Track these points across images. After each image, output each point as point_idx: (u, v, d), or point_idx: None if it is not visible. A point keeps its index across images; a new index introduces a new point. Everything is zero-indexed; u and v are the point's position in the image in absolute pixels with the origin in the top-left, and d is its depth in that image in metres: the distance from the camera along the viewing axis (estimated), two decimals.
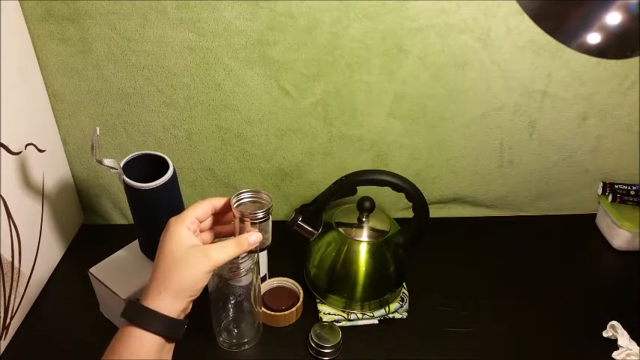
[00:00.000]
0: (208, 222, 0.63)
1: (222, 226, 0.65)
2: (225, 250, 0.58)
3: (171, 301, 0.55)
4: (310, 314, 0.86)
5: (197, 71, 0.88)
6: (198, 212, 0.60)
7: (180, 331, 0.56)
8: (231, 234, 0.63)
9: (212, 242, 0.64)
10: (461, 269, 0.97)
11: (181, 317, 0.57)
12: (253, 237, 0.61)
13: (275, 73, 0.89)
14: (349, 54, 0.87)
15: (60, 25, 0.83)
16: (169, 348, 0.57)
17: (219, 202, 0.62)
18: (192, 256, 0.56)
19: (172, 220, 0.59)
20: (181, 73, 0.88)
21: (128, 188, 0.74)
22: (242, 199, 0.63)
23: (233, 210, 0.61)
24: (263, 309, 0.83)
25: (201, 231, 0.62)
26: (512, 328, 0.85)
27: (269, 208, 0.62)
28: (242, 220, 0.61)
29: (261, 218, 0.61)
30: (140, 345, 0.53)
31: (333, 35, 0.85)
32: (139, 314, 0.54)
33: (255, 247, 0.62)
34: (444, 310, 0.88)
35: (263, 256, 0.87)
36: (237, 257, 0.71)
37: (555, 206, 1.10)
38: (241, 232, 0.62)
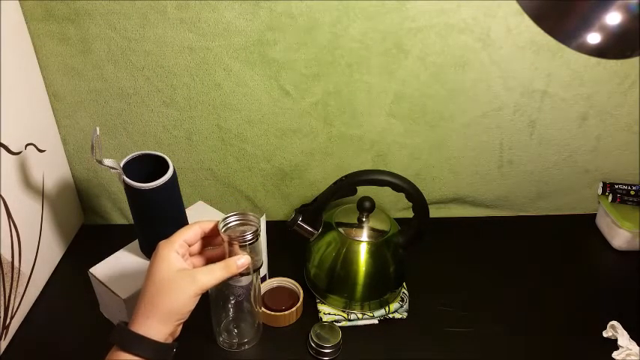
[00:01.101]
0: (197, 246, 0.63)
1: (212, 249, 0.65)
2: (212, 274, 0.58)
3: (159, 325, 0.55)
4: (310, 314, 0.86)
5: (197, 71, 0.88)
6: (188, 236, 0.60)
7: (169, 355, 0.56)
8: (222, 258, 0.63)
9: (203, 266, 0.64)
10: (461, 269, 0.97)
11: (169, 341, 0.57)
12: (242, 260, 0.60)
13: (275, 73, 0.89)
14: (349, 54, 0.87)
15: (60, 25, 0.83)
16: None
17: (208, 225, 0.62)
18: (179, 280, 0.56)
19: (161, 243, 0.59)
20: (181, 73, 0.88)
21: (128, 188, 0.74)
22: (229, 222, 0.62)
23: (221, 234, 0.61)
24: (263, 309, 0.83)
25: (190, 255, 0.62)
26: (512, 328, 0.85)
27: (257, 230, 0.62)
28: (231, 244, 0.61)
29: (249, 240, 0.61)
30: None
31: (333, 35, 0.85)
32: (126, 339, 0.54)
33: (246, 270, 0.61)
34: (444, 310, 0.88)
35: (263, 257, 0.87)
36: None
37: (555, 206, 1.10)
38: (231, 255, 0.61)
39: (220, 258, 0.63)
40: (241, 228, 0.62)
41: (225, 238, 0.61)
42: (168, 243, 0.58)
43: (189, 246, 0.61)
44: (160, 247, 0.58)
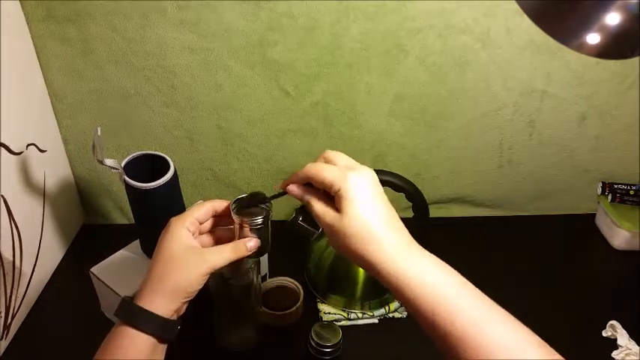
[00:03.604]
0: (208, 224, 0.63)
1: (223, 229, 0.64)
2: (222, 255, 0.58)
3: (165, 301, 0.54)
4: (310, 314, 0.86)
5: (198, 71, 0.88)
6: (199, 214, 0.60)
7: (174, 332, 0.56)
8: (231, 239, 0.63)
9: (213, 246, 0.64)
10: (461, 269, 0.96)
11: (174, 318, 0.56)
12: (251, 243, 0.60)
13: (275, 73, 0.89)
14: (349, 54, 0.87)
15: (61, 25, 0.84)
16: (162, 348, 0.56)
17: (220, 205, 0.62)
18: (188, 257, 0.56)
19: (173, 219, 0.59)
20: (182, 73, 0.89)
21: (129, 188, 0.74)
22: (241, 205, 0.62)
23: (232, 215, 0.61)
24: (263, 308, 0.83)
25: (200, 233, 0.62)
26: None
27: (268, 215, 0.62)
28: (241, 226, 0.61)
29: (260, 224, 0.61)
30: (132, 344, 0.53)
31: (333, 35, 0.85)
32: (132, 313, 0.54)
33: (253, 253, 0.61)
34: None
35: (263, 256, 0.87)
36: (240, 262, 0.71)
37: (555, 206, 1.10)
38: (240, 237, 0.61)
39: (229, 239, 0.63)
40: (252, 211, 0.62)
41: (237, 220, 0.60)
42: (180, 219, 0.58)
43: (200, 224, 0.61)
44: (172, 222, 0.58)
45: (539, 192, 1.07)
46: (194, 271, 0.55)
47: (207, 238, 0.63)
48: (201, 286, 0.56)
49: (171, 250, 0.56)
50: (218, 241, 0.63)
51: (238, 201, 0.62)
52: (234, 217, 0.61)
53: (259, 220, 0.61)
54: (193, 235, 0.59)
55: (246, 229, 0.61)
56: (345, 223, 0.52)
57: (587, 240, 1.06)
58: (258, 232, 0.61)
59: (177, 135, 0.96)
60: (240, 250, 0.59)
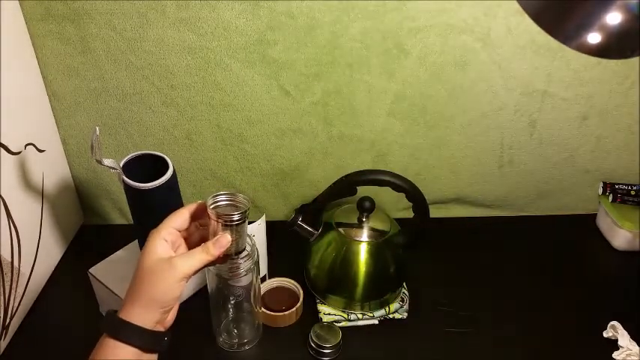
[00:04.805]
0: (193, 227, 0.62)
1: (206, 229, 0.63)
2: (192, 259, 0.57)
3: (144, 312, 0.55)
4: (310, 314, 0.86)
5: (197, 71, 0.88)
6: (175, 222, 0.59)
7: (158, 344, 0.56)
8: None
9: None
10: (461, 269, 0.97)
11: (158, 329, 0.57)
12: (221, 240, 0.59)
13: (275, 73, 0.89)
14: (349, 54, 0.87)
15: (59, 24, 0.83)
16: (149, 358, 0.56)
17: (193, 207, 0.61)
18: (159, 268, 0.56)
19: (150, 232, 0.59)
20: (181, 72, 0.88)
21: (128, 188, 0.74)
22: (218, 201, 0.61)
23: (208, 211, 0.59)
24: (263, 309, 0.83)
25: (187, 238, 0.61)
26: (512, 328, 0.85)
27: (245, 211, 0.60)
28: (217, 222, 0.60)
29: (236, 220, 0.59)
30: (114, 355, 0.54)
31: (333, 35, 0.85)
32: (112, 325, 0.55)
33: (229, 252, 0.60)
34: (444, 310, 0.88)
35: (263, 256, 0.87)
36: (237, 258, 0.71)
37: (555, 206, 1.10)
38: (217, 234, 0.60)
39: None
40: (229, 208, 0.61)
41: (213, 216, 0.59)
42: (157, 231, 0.58)
43: (180, 231, 0.60)
44: (149, 236, 0.58)
45: (539, 192, 1.07)
46: (165, 280, 0.55)
47: (196, 243, 0.62)
48: (178, 294, 0.57)
49: (145, 262, 0.56)
50: (204, 241, 0.61)
51: (215, 197, 0.60)
52: (211, 213, 0.59)
53: (236, 216, 0.59)
54: (174, 243, 0.59)
55: (220, 226, 0.59)
56: None
57: (587, 240, 1.05)
58: (235, 228, 0.60)
59: (176, 135, 0.96)
60: (210, 250, 0.58)
